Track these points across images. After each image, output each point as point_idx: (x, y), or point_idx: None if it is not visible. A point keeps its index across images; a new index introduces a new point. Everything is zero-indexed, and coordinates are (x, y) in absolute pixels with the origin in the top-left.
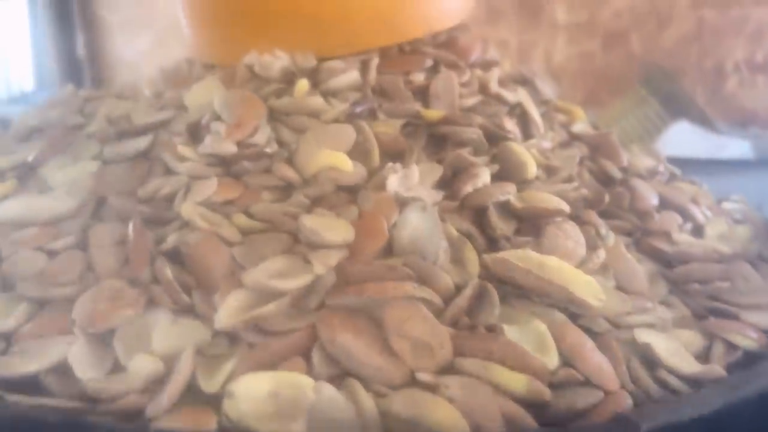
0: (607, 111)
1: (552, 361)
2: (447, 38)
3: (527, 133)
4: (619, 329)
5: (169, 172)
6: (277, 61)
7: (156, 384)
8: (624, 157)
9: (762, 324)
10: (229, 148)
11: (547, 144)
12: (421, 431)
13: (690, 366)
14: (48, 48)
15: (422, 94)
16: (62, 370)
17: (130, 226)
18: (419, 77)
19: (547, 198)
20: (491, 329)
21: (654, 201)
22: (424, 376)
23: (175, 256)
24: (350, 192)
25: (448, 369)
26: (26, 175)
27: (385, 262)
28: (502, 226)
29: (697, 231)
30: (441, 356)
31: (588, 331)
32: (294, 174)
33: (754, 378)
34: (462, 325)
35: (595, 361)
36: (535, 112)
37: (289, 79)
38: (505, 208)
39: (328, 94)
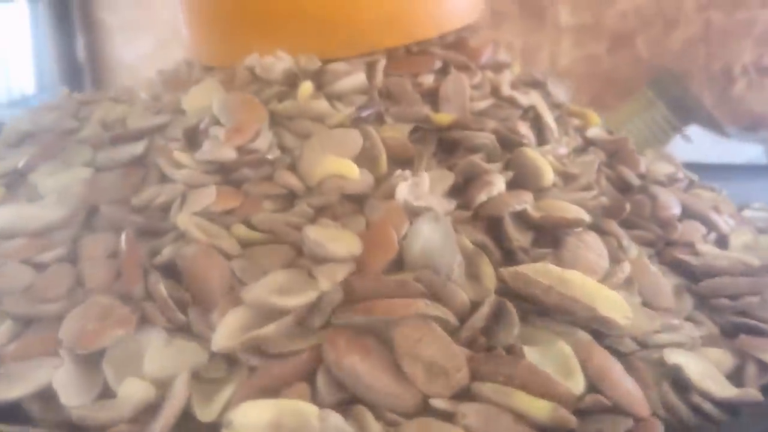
0: (614, 114)
1: (577, 385)
2: (456, 39)
3: (541, 138)
4: (647, 349)
5: (164, 179)
6: (279, 62)
7: (148, 412)
8: (642, 164)
9: None
10: (229, 154)
11: (563, 150)
12: None
13: (723, 389)
14: (49, 51)
15: (431, 96)
16: (47, 395)
17: (123, 237)
18: (428, 79)
19: (566, 207)
20: (511, 351)
21: (677, 209)
22: (438, 403)
23: (170, 270)
24: (357, 201)
25: (465, 395)
26: (16, 182)
27: (395, 277)
28: (518, 238)
29: (721, 241)
30: (456, 380)
31: (613, 351)
32: (297, 182)
33: None
34: (479, 346)
35: (625, 385)
36: (549, 116)
37: (291, 81)
38: (522, 218)
39: (332, 98)
